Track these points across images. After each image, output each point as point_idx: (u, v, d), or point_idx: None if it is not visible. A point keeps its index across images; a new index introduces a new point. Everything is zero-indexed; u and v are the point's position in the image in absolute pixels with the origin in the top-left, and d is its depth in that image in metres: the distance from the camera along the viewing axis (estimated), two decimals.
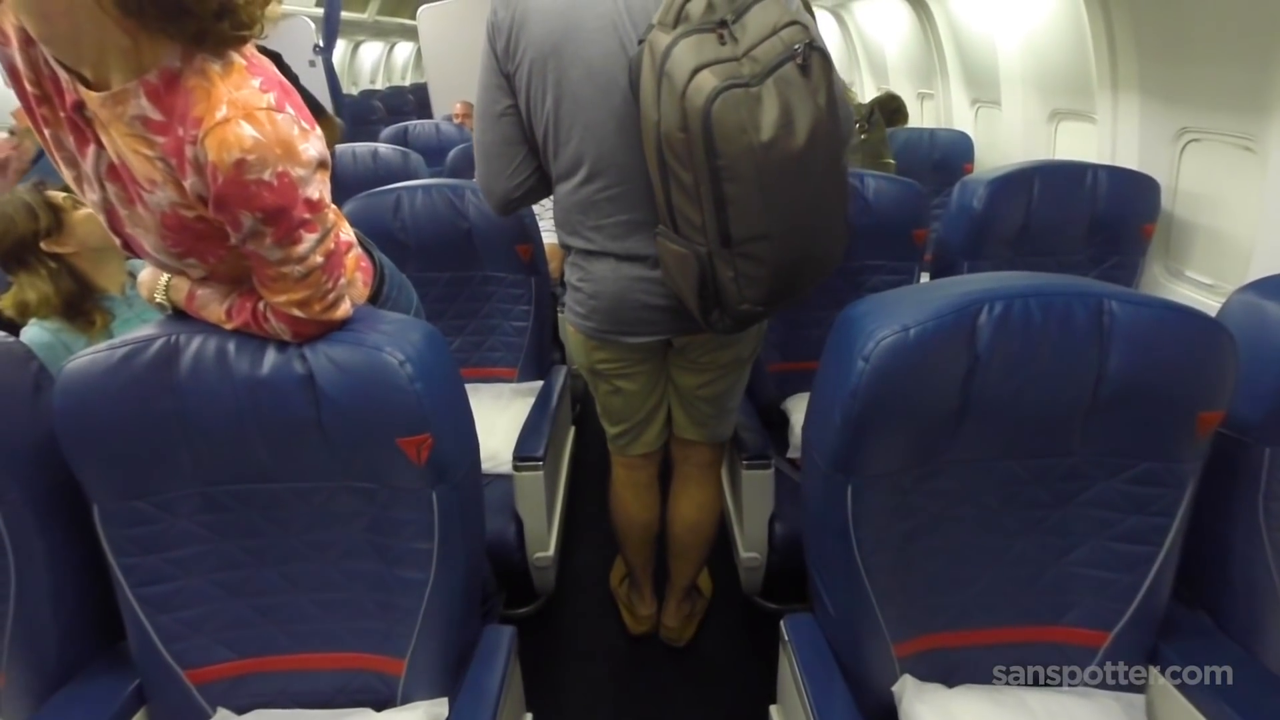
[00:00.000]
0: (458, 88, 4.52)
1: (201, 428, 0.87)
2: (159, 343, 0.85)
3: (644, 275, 1.10)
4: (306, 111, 0.81)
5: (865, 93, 4.02)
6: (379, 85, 8.19)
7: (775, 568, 1.45)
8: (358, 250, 1.07)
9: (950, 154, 2.75)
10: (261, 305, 0.84)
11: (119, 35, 0.68)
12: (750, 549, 1.45)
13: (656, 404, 1.32)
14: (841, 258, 1.06)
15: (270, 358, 0.85)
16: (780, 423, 1.76)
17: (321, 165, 0.79)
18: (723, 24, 0.89)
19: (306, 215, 0.77)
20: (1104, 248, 1.78)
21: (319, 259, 0.81)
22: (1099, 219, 1.74)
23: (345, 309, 0.87)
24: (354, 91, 6.99)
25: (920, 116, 3.13)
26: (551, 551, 1.48)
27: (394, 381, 0.83)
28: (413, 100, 7.14)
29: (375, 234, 1.79)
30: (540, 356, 1.95)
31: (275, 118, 0.74)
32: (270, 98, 0.74)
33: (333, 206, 0.86)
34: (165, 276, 0.91)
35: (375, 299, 1.08)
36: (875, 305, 0.89)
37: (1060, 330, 0.82)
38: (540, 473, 1.41)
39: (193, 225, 0.79)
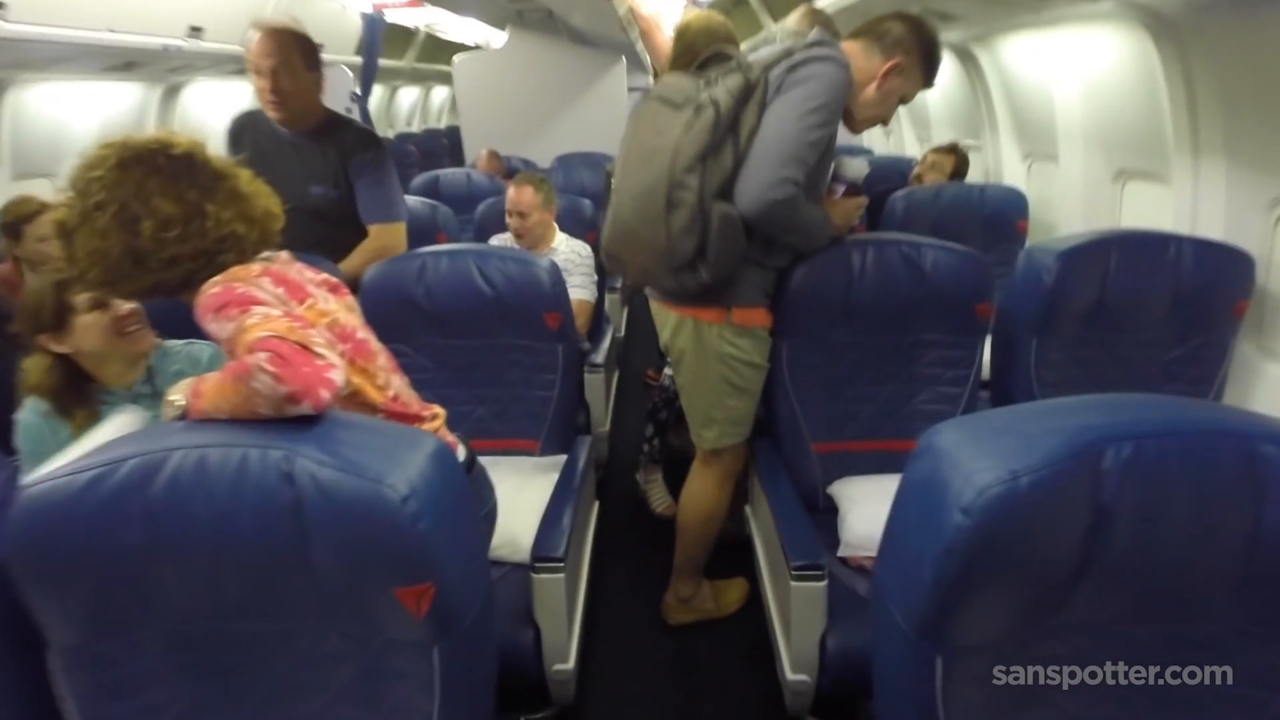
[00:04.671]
0: (489, 134, 4.53)
1: (174, 558, 0.75)
2: (129, 464, 0.74)
3: None
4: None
5: (906, 145, 3.88)
6: (415, 128, 8.36)
7: (827, 690, 1.28)
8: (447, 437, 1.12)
9: (1001, 210, 2.59)
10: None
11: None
12: (799, 670, 1.27)
13: None
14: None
15: (254, 479, 0.73)
16: (826, 509, 1.60)
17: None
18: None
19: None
20: (1189, 326, 1.60)
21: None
22: (1183, 295, 1.57)
23: (336, 362, 0.81)
24: (390, 134, 7.12)
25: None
26: (571, 664, 1.32)
27: (393, 521, 0.70)
28: (446, 144, 7.25)
29: (398, 300, 1.73)
30: (564, 428, 1.83)
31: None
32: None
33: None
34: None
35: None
36: (967, 434, 0.74)
37: (1201, 480, 0.66)
38: (561, 575, 1.27)
39: None
